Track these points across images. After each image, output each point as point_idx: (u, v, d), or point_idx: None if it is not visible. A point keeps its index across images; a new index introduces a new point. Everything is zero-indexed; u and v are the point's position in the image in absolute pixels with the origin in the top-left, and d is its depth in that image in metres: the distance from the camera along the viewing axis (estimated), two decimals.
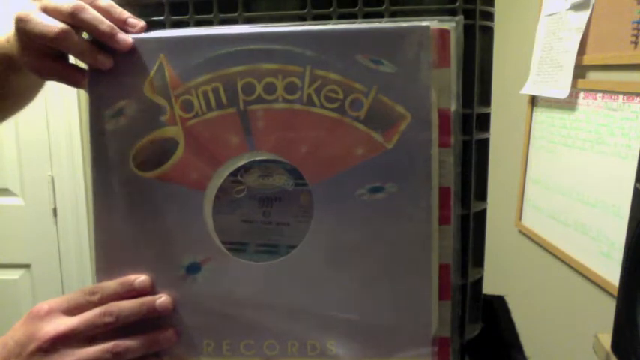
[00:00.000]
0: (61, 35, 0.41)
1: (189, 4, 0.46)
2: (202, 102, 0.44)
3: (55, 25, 0.41)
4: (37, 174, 1.68)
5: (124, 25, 0.44)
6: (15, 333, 0.42)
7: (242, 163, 0.44)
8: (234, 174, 0.45)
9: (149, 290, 0.45)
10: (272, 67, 0.43)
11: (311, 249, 0.44)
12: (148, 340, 0.44)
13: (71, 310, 0.43)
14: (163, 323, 0.45)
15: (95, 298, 0.43)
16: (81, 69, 0.46)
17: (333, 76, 0.43)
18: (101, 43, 0.44)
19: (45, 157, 1.68)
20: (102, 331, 0.42)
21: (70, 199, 1.69)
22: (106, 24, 0.43)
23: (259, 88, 0.43)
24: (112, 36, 0.43)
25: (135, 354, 0.43)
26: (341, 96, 0.43)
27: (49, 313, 0.42)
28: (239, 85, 0.43)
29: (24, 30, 0.42)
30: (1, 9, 1.57)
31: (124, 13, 0.44)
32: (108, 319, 0.42)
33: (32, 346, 0.41)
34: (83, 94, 1.60)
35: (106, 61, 0.44)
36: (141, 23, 0.45)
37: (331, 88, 0.43)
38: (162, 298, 0.45)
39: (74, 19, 0.42)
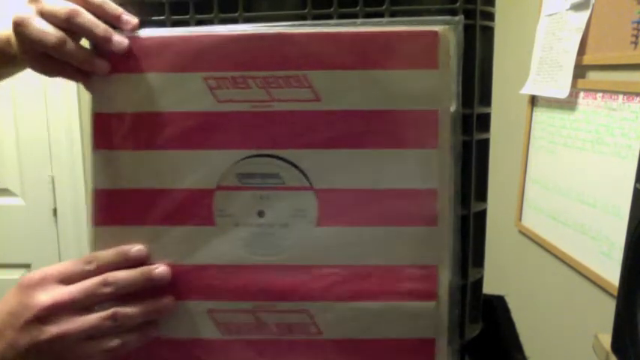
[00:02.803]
0: (57, 44, 0.41)
1: (190, 4, 0.46)
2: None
3: (52, 34, 0.41)
4: (37, 174, 1.68)
5: (117, 22, 0.44)
6: (6, 304, 0.40)
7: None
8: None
9: (145, 260, 0.44)
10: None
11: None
12: (146, 307, 0.43)
13: (66, 279, 0.41)
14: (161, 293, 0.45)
15: (91, 267, 0.42)
16: None
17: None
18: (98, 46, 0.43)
19: (45, 157, 1.68)
20: (100, 301, 0.41)
21: (70, 199, 1.69)
22: (101, 27, 0.43)
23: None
24: (107, 39, 0.43)
25: (134, 320, 0.43)
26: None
27: (43, 282, 0.41)
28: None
29: (22, 34, 0.42)
30: (0, 9, 1.57)
31: (118, 10, 0.44)
32: (107, 290, 0.41)
33: (27, 316, 0.39)
34: (83, 93, 1.60)
35: (103, 67, 0.44)
36: (134, 21, 0.44)
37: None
38: (160, 268, 0.44)
39: (70, 24, 0.42)
